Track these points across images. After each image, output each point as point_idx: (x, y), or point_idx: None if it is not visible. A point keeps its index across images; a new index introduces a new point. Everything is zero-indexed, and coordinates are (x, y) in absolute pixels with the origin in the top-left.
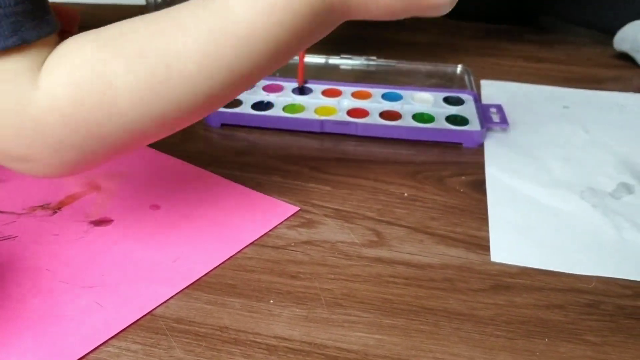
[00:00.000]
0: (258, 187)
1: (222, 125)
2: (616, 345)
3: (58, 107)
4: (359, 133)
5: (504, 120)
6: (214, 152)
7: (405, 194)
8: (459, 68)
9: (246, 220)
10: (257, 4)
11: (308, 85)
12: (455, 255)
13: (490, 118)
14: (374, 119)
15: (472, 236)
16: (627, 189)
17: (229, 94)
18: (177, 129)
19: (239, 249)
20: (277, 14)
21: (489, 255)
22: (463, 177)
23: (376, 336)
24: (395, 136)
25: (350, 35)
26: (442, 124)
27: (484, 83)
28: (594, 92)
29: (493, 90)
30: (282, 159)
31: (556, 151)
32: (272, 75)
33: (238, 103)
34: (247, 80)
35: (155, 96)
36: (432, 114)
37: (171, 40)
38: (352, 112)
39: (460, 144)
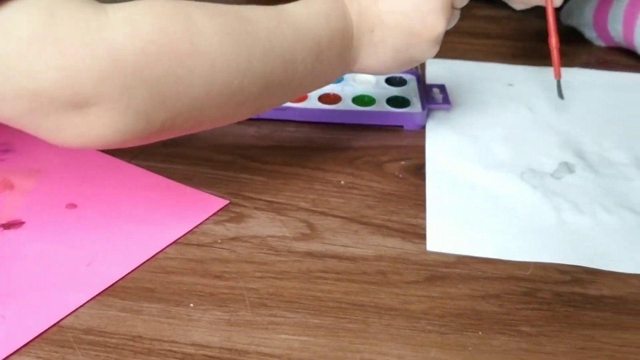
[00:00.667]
0: (185, 180)
1: None
2: (551, 335)
3: (139, 31)
4: (297, 118)
5: (446, 101)
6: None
7: (342, 182)
8: None
9: (169, 216)
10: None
11: None
12: (391, 245)
13: (433, 98)
14: (313, 102)
15: (409, 225)
16: (568, 168)
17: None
18: (238, 114)
19: (159, 249)
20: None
21: (425, 244)
22: (402, 162)
23: (302, 338)
24: (334, 120)
25: None
26: (382, 106)
27: (429, 61)
28: (540, 68)
29: (438, 69)
30: (214, 148)
31: (498, 131)
32: None
33: None
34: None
35: (239, 48)
36: (373, 95)
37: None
38: None
39: (402, 126)
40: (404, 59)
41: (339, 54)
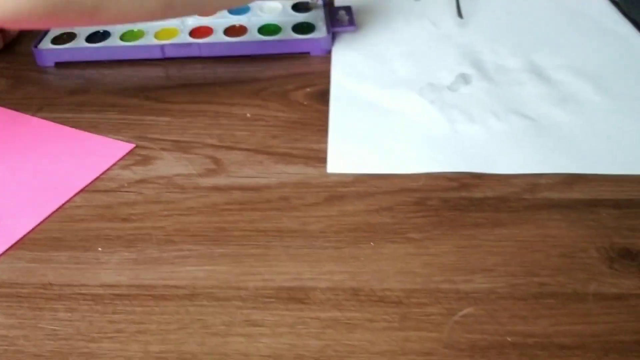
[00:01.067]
0: (92, 127)
1: (57, 64)
2: (436, 238)
3: None
4: (203, 54)
5: (351, 23)
6: (46, 95)
7: (248, 115)
8: None
9: (75, 166)
10: None
11: None
12: (293, 172)
13: (338, 21)
14: (218, 36)
15: (311, 150)
16: (465, 79)
17: None
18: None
19: (66, 199)
20: None
21: (326, 167)
22: (308, 89)
23: (206, 267)
24: (240, 52)
25: None
26: (288, 34)
27: None
28: None
29: None
30: (120, 93)
31: (402, 48)
32: None
33: (72, 36)
34: None
35: None
36: (279, 24)
37: None
38: (195, 32)
39: (308, 53)
40: None
41: None
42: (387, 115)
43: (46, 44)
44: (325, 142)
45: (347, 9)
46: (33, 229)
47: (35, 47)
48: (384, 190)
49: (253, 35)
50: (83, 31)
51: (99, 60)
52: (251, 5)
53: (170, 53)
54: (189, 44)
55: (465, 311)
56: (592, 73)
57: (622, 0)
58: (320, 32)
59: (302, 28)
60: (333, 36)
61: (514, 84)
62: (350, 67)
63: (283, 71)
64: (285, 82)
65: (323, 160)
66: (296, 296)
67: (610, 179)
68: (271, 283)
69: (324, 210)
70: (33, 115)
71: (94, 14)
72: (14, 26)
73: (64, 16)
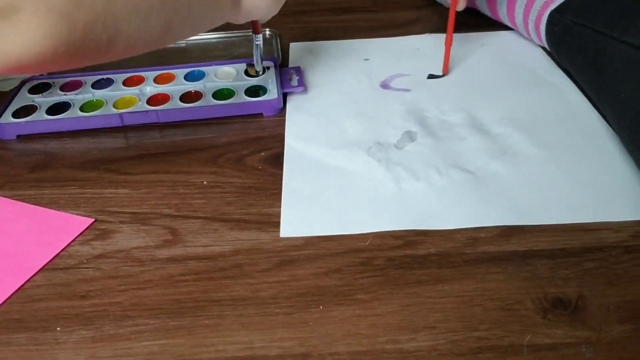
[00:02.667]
0: (53, 203)
1: (18, 136)
2: (383, 298)
3: None
4: (160, 120)
5: (301, 83)
6: (7, 172)
7: (205, 182)
8: (267, 32)
9: (36, 243)
10: None
11: (108, 75)
12: (247, 238)
13: (289, 83)
14: (175, 103)
15: (265, 215)
16: (410, 136)
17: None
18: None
19: (26, 279)
20: None
21: (279, 231)
22: (262, 153)
23: (161, 341)
24: (195, 117)
25: None
26: (241, 97)
27: (292, 46)
28: (394, 39)
29: (300, 52)
30: (80, 166)
31: (352, 108)
32: (78, 71)
33: (33, 109)
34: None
35: None
36: (233, 88)
37: None
38: (153, 99)
39: (261, 114)
40: None
41: None
42: (337, 177)
43: (7, 118)
44: (278, 205)
45: (297, 70)
46: None
47: None
48: (332, 252)
49: (208, 100)
50: (43, 104)
51: (59, 131)
52: (207, 71)
53: (128, 121)
54: (147, 112)
55: None
56: (527, 125)
57: (554, 52)
58: (272, 94)
59: (255, 91)
60: (285, 97)
61: (455, 139)
62: (303, 129)
63: (238, 136)
64: (241, 147)
65: (276, 225)
66: None
67: (545, 229)
68: (224, 354)
69: (275, 276)
70: None
71: (109, 48)
72: (38, 70)
73: (83, 54)
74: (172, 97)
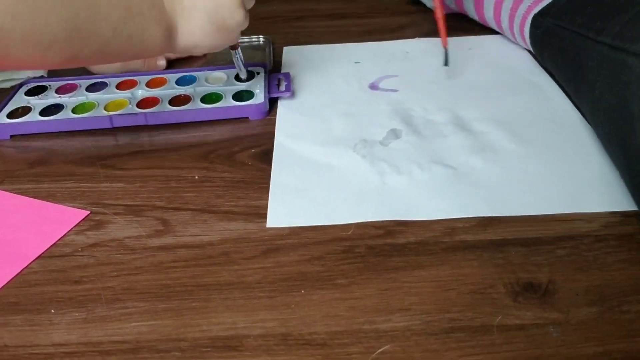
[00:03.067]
0: (50, 197)
1: (12, 136)
2: (361, 283)
3: None
4: (149, 122)
5: (288, 89)
6: (7, 168)
7: (196, 177)
8: (261, 39)
9: (33, 234)
10: None
11: (103, 79)
12: (235, 228)
13: (277, 88)
14: (164, 106)
15: (253, 207)
16: (395, 134)
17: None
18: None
19: (23, 266)
20: None
21: (265, 222)
22: (252, 150)
23: (150, 322)
24: (183, 120)
25: None
26: (228, 101)
27: (286, 50)
28: (385, 42)
29: (294, 56)
30: (77, 162)
31: (341, 108)
32: (68, 75)
33: (28, 110)
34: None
35: None
36: (222, 92)
37: None
38: (143, 102)
39: (247, 117)
40: (219, 22)
41: (150, 10)
42: (323, 171)
43: (2, 118)
44: (265, 198)
45: (286, 76)
46: None
47: None
48: (316, 241)
49: (196, 103)
50: (38, 105)
51: (52, 132)
52: (198, 76)
53: (118, 123)
54: (136, 114)
55: (382, 349)
56: (509, 123)
57: (537, 53)
58: (257, 99)
59: (242, 95)
60: (275, 100)
61: (438, 137)
62: (293, 127)
63: (229, 134)
64: (232, 144)
65: (263, 216)
66: (230, 344)
67: (520, 219)
68: (208, 333)
69: (260, 263)
70: None
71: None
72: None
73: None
74: (162, 101)
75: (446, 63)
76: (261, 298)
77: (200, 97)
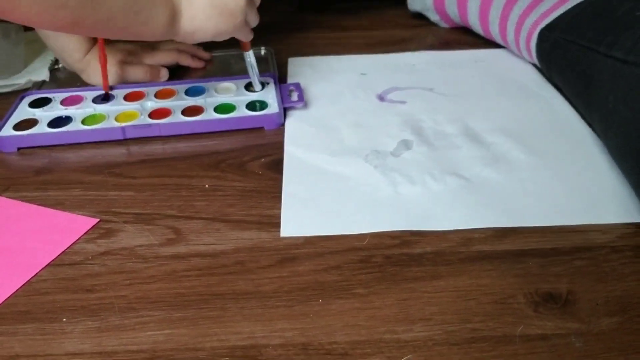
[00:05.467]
0: (58, 204)
1: (19, 149)
2: (380, 292)
3: None
4: (163, 134)
5: (301, 98)
6: (12, 175)
7: (207, 186)
8: (263, 50)
9: (41, 241)
10: None
11: (111, 92)
12: (248, 237)
13: (289, 98)
14: (177, 117)
15: (266, 216)
16: (406, 145)
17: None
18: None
19: (33, 274)
20: None
21: (279, 231)
22: (263, 160)
23: (166, 331)
24: (198, 131)
25: None
26: (242, 111)
27: (290, 61)
28: (391, 55)
29: (299, 67)
30: (84, 170)
31: (350, 119)
32: (74, 86)
33: (34, 123)
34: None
35: None
36: (234, 103)
37: None
38: (154, 114)
39: (262, 127)
40: (221, 5)
41: None
42: (336, 181)
43: (8, 131)
44: (278, 208)
45: (296, 86)
46: (0, 305)
47: None
48: (332, 250)
49: (210, 114)
50: (44, 118)
51: (62, 144)
52: (207, 86)
53: (131, 134)
54: (149, 125)
55: (405, 358)
56: (519, 134)
57: (544, 67)
58: (272, 108)
59: (256, 105)
60: (285, 110)
61: (451, 148)
62: (302, 138)
63: (239, 144)
64: (242, 154)
65: (276, 225)
66: (249, 354)
67: (536, 230)
68: (226, 343)
69: (276, 272)
70: (0, 195)
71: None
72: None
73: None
74: (174, 111)
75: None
76: (279, 307)
77: (212, 107)
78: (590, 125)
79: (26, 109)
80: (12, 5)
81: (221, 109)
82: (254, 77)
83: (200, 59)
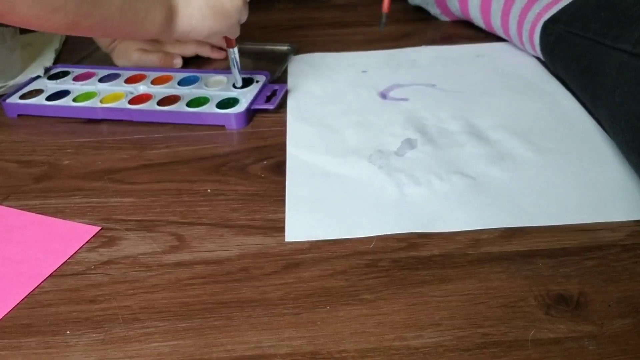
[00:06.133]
0: (58, 213)
1: (18, 115)
2: (388, 298)
3: None
4: (134, 119)
5: (273, 102)
6: (11, 183)
7: (209, 190)
8: (286, 46)
9: (43, 251)
10: None
11: (116, 71)
12: (252, 243)
13: (265, 99)
14: (151, 104)
15: (269, 220)
16: (410, 144)
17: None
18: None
19: (35, 286)
20: None
21: (283, 236)
22: (265, 162)
23: (171, 342)
24: (164, 120)
25: None
26: (210, 107)
27: (293, 58)
28: (390, 51)
29: (299, 65)
30: (84, 177)
31: (352, 118)
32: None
33: (40, 93)
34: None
35: None
36: (210, 97)
37: None
38: (137, 99)
39: (224, 126)
40: (217, 6)
41: None
42: (340, 183)
43: (14, 99)
44: (282, 211)
45: (281, 88)
46: (2, 318)
47: (3, 101)
48: (338, 255)
49: (180, 105)
50: (50, 90)
51: (49, 116)
52: (201, 77)
53: (105, 115)
54: (122, 109)
55: None
56: (524, 131)
57: (548, 61)
58: (238, 109)
59: (229, 103)
60: (285, 108)
61: (455, 146)
62: (304, 138)
63: (241, 146)
64: (243, 156)
65: (280, 230)
66: None
67: (545, 230)
68: (233, 353)
69: (282, 278)
70: (0, 204)
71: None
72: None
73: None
74: (154, 98)
75: (381, 28)
76: (285, 315)
77: (189, 99)
78: (597, 119)
79: (44, 80)
80: (9, 7)
81: (195, 102)
82: (236, 73)
83: (220, 49)
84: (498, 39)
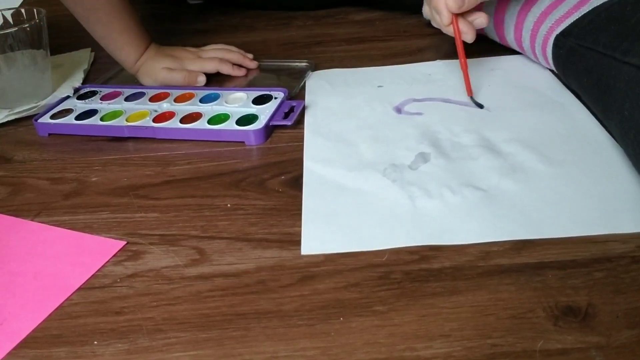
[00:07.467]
0: (86, 228)
1: (49, 135)
2: (400, 309)
3: None
4: (157, 136)
5: (291, 119)
6: (43, 200)
7: (229, 205)
8: (305, 63)
9: (72, 265)
10: None
11: (141, 89)
12: (270, 256)
13: (283, 115)
14: (173, 122)
15: (286, 234)
16: (424, 158)
17: None
18: None
19: (65, 298)
20: None
21: (299, 249)
22: (282, 177)
23: (192, 352)
24: (186, 138)
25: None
26: (230, 124)
27: (310, 74)
28: (405, 66)
29: (317, 81)
30: (110, 193)
31: (367, 133)
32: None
33: (69, 112)
34: None
35: None
36: (231, 114)
37: None
38: (161, 116)
39: (243, 142)
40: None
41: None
42: (354, 196)
43: (45, 118)
44: (298, 225)
45: (299, 104)
46: (34, 329)
47: (35, 120)
48: (351, 267)
49: (201, 123)
50: (79, 109)
51: (79, 135)
52: (222, 94)
53: (130, 133)
54: (146, 127)
55: None
56: (536, 143)
57: (561, 73)
58: (256, 125)
59: (249, 119)
60: (302, 124)
61: (467, 159)
62: (321, 152)
63: (260, 161)
64: (262, 171)
65: (297, 243)
66: None
67: (555, 242)
68: None
69: (297, 290)
70: (32, 220)
71: None
72: None
73: None
74: (176, 116)
75: (480, 106)
76: (300, 326)
77: (210, 116)
78: (609, 131)
79: (73, 100)
80: None
81: (216, 119)
82: None
83: (241, 67)
84: (512, 51)
